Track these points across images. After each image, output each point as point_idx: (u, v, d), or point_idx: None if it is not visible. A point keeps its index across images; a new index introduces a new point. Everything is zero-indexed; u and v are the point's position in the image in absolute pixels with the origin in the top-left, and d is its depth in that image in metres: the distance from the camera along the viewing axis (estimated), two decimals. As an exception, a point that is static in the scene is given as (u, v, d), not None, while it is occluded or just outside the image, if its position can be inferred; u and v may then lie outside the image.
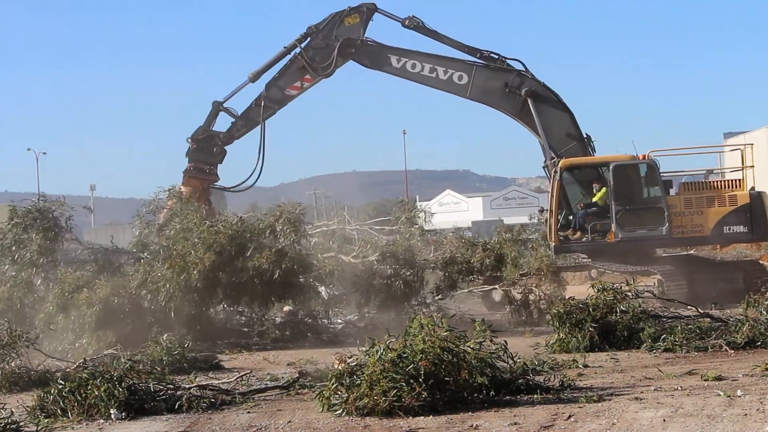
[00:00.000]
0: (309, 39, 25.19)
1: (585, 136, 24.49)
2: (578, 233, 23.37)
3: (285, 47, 25.27)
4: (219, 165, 25.99)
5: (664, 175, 23.57)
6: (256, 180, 25.71)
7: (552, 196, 23.30)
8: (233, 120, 25.54)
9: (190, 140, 25.48)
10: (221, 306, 21.03)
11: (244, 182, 25.89)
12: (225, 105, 25.45)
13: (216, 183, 26.01)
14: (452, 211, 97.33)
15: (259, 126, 25.24)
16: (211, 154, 25.57)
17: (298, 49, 25.12)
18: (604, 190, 23.38)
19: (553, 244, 23.23)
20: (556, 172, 23.21)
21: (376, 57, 25.16)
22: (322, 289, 22.07)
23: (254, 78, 25.45)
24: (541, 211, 26.07)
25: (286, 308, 21.99)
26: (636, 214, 23.15)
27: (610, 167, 23.09)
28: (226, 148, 25.65)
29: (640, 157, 23.53)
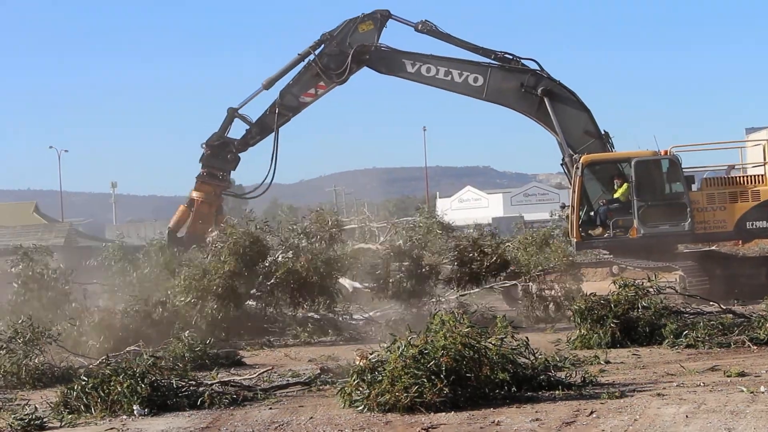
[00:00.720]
0: (323, 46, 25.26)
1: (603, 132, 24.43)
2: (600, 229, 23.31)
3: (299, 54, 25.35)
4: (232, 172, 26.18)
5: (686, 171, 23.47)
6: (268, 187, 25.83)
7: (573, 192, 23.25)
8: (248, 127, 25.64)
9: (204, 146, 25.61)
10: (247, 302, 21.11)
11: (256, 189, 26.05)
12: (240, 111, 25.54)
13: (228, 189, 26.20)
14: (472, 208, 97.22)
15: (273, 133, 25.35)
16: (225, 161, 25.74)
17: (312, 56, 25.18)
18: (625, 186, 23.31)
19: (575, 240, 23.18)
20: (577, 168, 23.15)
21: (391, 63, 25.19)
22: (347, 282, 22.14)
23: (268, 85, 25.52)
24: (563, 207, 26.02)
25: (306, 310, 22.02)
26: (658, 209, 23.07)
27: (632, 163, 23.02)
28: (239, 155, 25.80)
29: (662, 153, 23.44)
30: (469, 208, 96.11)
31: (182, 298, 19.64)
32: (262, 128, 25.58)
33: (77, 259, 35.90)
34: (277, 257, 20.82)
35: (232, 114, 25.56)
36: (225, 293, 19.78)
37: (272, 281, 20.51)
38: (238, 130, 25.85)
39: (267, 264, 20.81)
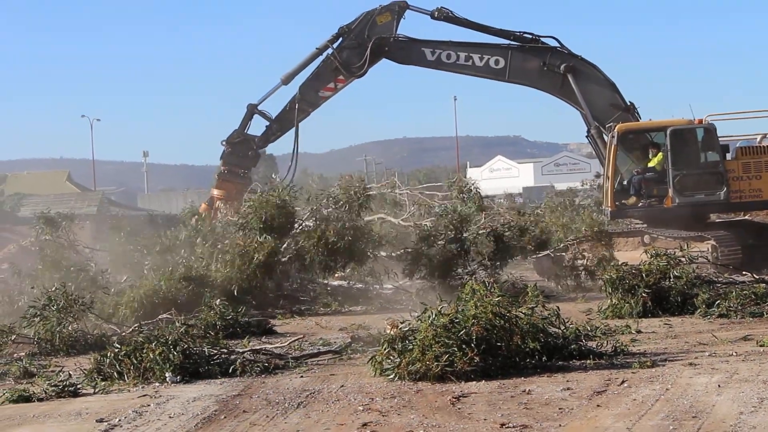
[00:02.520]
0: (341, 39, 25.09)
1: (629, 104, 24.27)
2: (634, 198, 23.18)
3: (317, 48, 25.22)
4: (253, 168, 26.13)
5: (721, 139, 23.25)
6: (291, 181, 25.74)
7: (608, 161, 23.09)
8: (267, 123, 25.59)
9: (224, 143, 25.58)
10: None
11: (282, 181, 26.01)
12: (259, 108, 25.50)
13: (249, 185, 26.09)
14: (503, 177, 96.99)
15: (294, 128, 25.29)
16: (246, 158, 25.75)
17: (330, 50, 25.05)
18: (660, 155, 23.13)
19: (610, 209, 23.07)
20: (612, 137, 23.01)
21: (410, 52, 25.07)
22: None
23: (287, 80, 25.42)
24: (598, 176, 25.91)
25: (338, 275, 22.08)
26: (693, 178, 22.88)
27: (668, 132, 22.81)
28: (259, 151, 25.82)
29: (697, 122, 23.22)
30: (499, 178, 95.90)
31: (222, 270, 19.61)
32: (282, 124, 25.52)
33: (109, 228, 36.17)
34: (305, 225, 20.79)
35: (252, 110, 25.49)
36: (262, 265, 19.79)
37: (299, 246, 20.39)
38: (257, 126, 25.86)
39: (296, 231, 20.79)
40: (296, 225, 20.88)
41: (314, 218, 20.72)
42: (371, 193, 22.82)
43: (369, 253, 20.65)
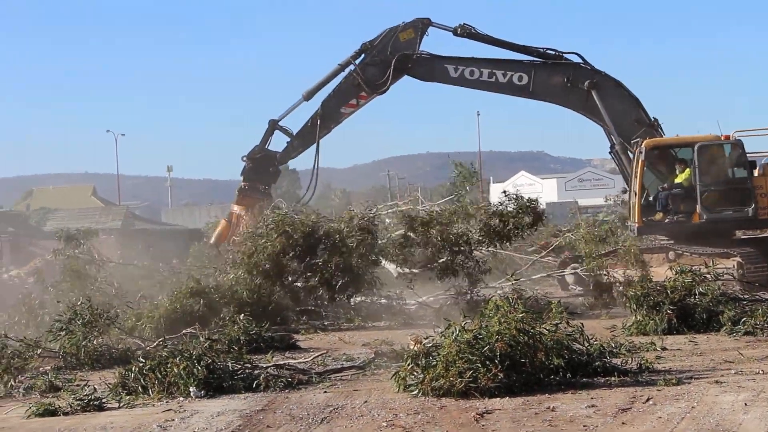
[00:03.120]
0: (363, 56, 25.11)
1: (653, 120, 24.20)
2: (661, 214, 23.06)
3: (339, 64, 25.23)
4: (273, 185, 26.18)
5: (747, 155, 23.14)
6: (310, 198, 25.81)
7: (635, 176, 22.99)
8: (288, 139, 25.64)
9: (246, 159, 25.58)
10: (296, 283, 21.26)
11: (299, 202, 26.06)
12: (280, 123, 25.57)
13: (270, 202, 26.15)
14: (527, 193, 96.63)
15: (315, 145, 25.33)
16: (267, 174, 25.74)
17: (352, 67, 25.07)
18: (687, 170, 23.02)
19: (636, 225, 22.96)
20: (639, 152, 22.92)
21: (433, 69, 25.09)
22: (391, 267, 22.14)
23: (308, 96, 25.45)
24: (624, 191, 25.78)
25: (359, 296, 22.10)
26: (721, 194, 22.75)
27: (695, 147, 22.70)
28: (280, 167, 25.93)
29: (724, 138, 23.11)
30: (523, 193, 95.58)
31: (231, 274, 19.84)
32: (303, 140, 25.53)
33: (133, 243, 36.39)
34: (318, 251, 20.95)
35: (273, 126, 25.54)
36: (271, 270, 19.88)
37: (317, 266, 20.57)
38: (279, 142, 25.94)
39: (316, 249, 20.93)
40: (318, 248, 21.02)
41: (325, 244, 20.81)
42: (379, 220, 22.76)
43: (373, 278, 20.74)
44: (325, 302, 21.12)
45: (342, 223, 21.05)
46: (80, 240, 25.46)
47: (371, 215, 21.50)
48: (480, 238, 21.34)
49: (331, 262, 20.25)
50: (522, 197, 22.05)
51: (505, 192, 22.65)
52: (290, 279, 20.85)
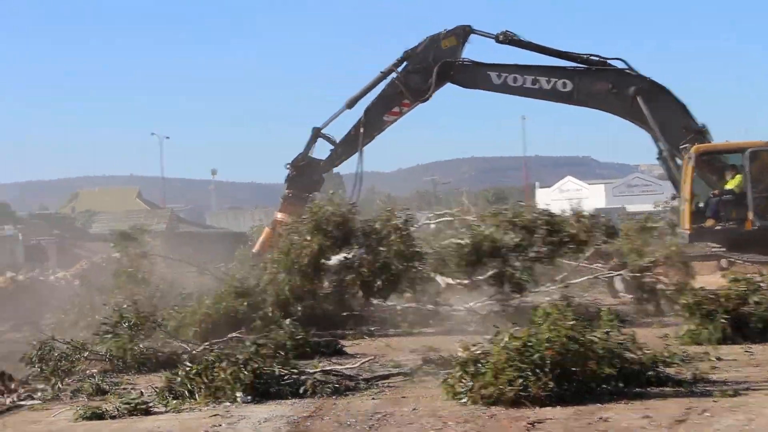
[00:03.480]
0: (405, 63, 25.10)
1: (701, 126, 23.93)
2: (712, 221, 22.80)
3: (381, 72, 25.33)
4: (317, 193, 26.11)
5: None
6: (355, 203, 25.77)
7: (684, 183, 22.77)
8: (332, 147, 25.67)
9: (289, 167, 25.67)
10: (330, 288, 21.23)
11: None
12: (323, 131, 25.62)
13: None
14: (573, 198, 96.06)
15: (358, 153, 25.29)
16: (310, 182, 25.85)
17: (394, 74, 25.06)
18: (738, 176, 22.75)
19: (687, 232, 22.71)
20: (689, 158, 22.70)
21: (475, 76, 25.08)
22: (439, 278, 22.04)
23: (351, 104, 25.54)
24: (673, 198, 25.51)
25: (408, 295, 22.05)
26: (774, 201, 22.52)
27: (746, 153, 22.43)
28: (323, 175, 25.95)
29: (775, 143, 22.84)
30: (570, 199, 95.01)
31: (268, 273, 19.86)
32: (346, 147, 25.61)
33: (179, 245, 36.65)
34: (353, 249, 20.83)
35: (317, 134, 25.64)
36: (308, 268, 19.83)
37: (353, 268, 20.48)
38: (322, 150, 26.05)
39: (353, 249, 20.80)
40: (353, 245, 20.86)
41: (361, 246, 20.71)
42: (412, 224, 22.66)
43: (418, 279, 20.59)
44: (368, 306, 21.08)
45: (379, 222, 20.96)
46: (135, 236, 25.63)
47: (406, 217, 21.34)
48: (541, 249, 21.10)
49: (370, 260, 20.05)
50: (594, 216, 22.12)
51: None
52: (327, 278, 20.73)
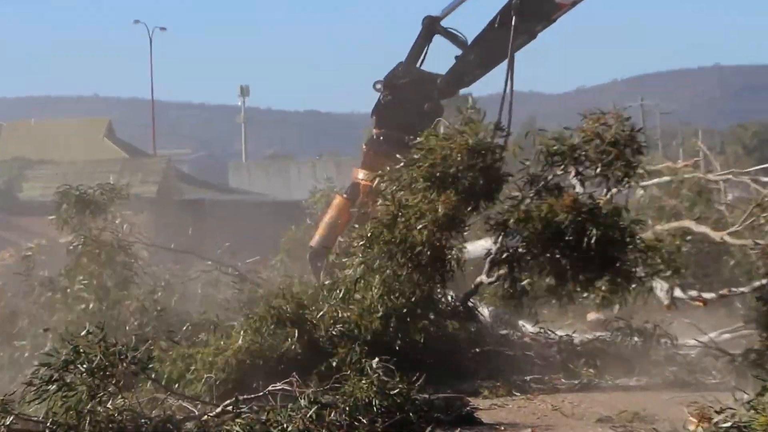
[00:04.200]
0: None
1: None
2: None
3: None
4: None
5: None
6: (504, 143, 25.66)
7: None
8: (459, 52, 25.58)
9: (381, 87, 25.46)
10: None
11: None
12: (443, 23, 25.58)
13: None
14: None
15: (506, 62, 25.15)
16: (418, 114, 25.58)
17: None
18: None
19: None
20: None
21: None
22: (658, 284, 22.05)
23: None
24: None
25: (593, 316, 22.08)
26: None
27: None
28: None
29: None
30: None
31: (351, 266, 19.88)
32: (484, 52, 25.54)
33: (181, 226, 37.30)
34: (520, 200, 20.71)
35: (431, 27, 25.59)
36: (426, 257, 19.81)
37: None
38: (439, 58, 25.96)
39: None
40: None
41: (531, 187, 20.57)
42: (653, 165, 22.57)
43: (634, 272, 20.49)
44: (519, 337, 21.30)
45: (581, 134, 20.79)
46: (101, 206, 25.70)
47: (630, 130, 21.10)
48: None
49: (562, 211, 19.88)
50: None
51: None
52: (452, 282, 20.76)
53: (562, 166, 20.47)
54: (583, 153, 20.36)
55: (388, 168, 23.51)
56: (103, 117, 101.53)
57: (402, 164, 20.81)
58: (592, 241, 19.40)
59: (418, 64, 25.72)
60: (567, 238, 19.57)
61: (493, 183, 20.35)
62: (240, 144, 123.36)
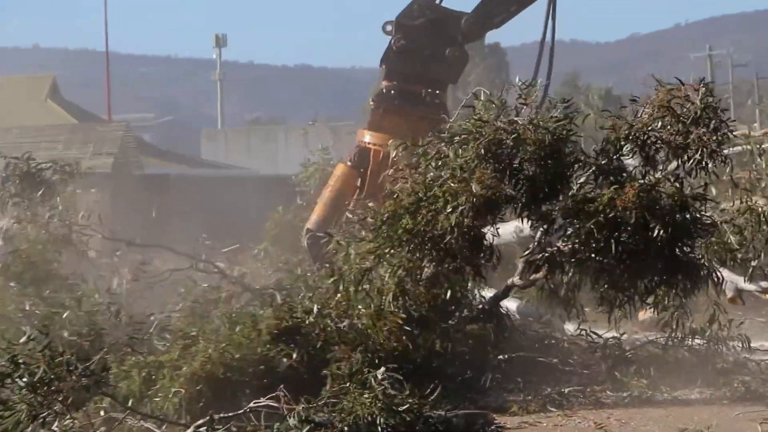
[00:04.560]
0: None
1: None
2: None
3: None
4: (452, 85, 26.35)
5: None
6: (541, 102, 25.66)
7: None
8: None
9: (391, 28, 25.37)
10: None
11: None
12: None
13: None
14: None
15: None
16: (437, 62, 25.54)
17: None
18: None
19: None
20: None
21: None
22: (726, 273, 22.20)
23: None
24: None
25: (646, 315, 22.27)
26: None
27: None
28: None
29: None
30: None
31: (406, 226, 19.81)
32: None
33: (141, 208, 37.58)
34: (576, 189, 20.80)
35: None
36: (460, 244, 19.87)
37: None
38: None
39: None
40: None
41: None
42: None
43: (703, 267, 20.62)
44: (557, 340, 21.75)
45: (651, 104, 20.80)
46: (44, 182, 25.85)
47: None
48: None
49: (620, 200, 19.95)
50: None
51: None
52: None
53: (630, 151, 20.33)
54: (655, 133, 20.31)
55: (390, 140, 23.49)
56: (45, 73, 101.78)
57: (442, 136, 20.57)
58: (658, 242, 19.48)
59: (437, 0, 25.81)
60: (625, 238, 19.67)
61: (559, 177, 20.39)
62: (215, 107, 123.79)
